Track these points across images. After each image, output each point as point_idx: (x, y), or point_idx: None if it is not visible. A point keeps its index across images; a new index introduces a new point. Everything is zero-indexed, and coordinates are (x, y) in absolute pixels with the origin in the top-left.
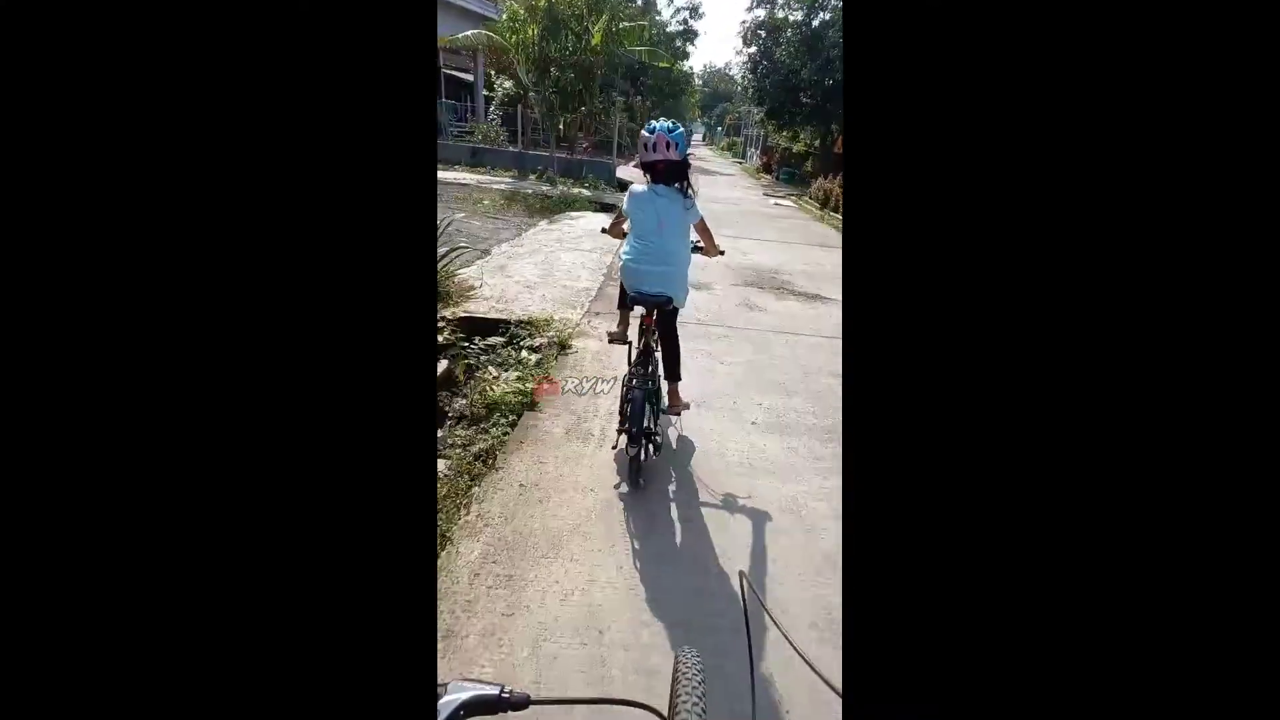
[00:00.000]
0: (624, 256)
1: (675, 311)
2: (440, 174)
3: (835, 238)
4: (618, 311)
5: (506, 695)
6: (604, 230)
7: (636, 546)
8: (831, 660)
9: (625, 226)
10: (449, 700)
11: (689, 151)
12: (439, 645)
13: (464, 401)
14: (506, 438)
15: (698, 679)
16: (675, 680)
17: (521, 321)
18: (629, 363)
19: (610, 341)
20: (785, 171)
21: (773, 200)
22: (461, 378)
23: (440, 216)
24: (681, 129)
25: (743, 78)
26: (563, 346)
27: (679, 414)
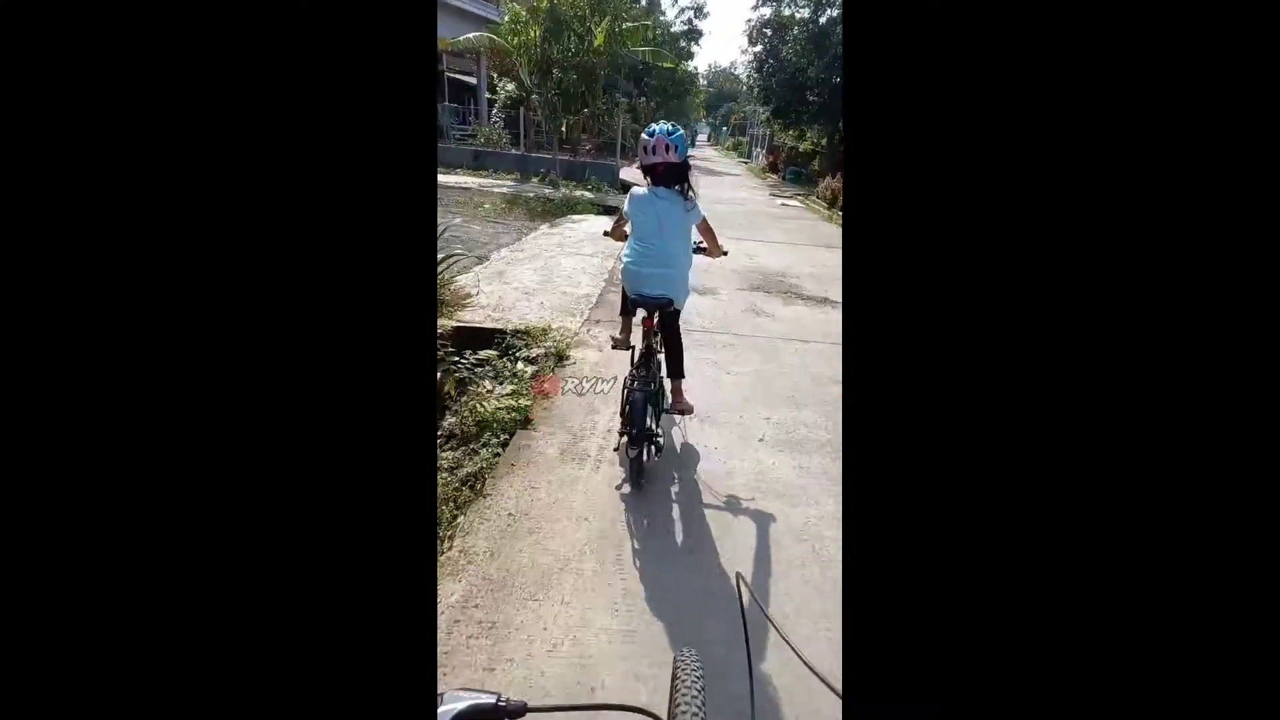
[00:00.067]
0: (625, 259)
1: (677, 313)
2: (441, 178)
3: None
4: (619, 319)
5: (503, 704)
6: (605, 233)
7: (632, 586)
8: (832, 661)
9: (626, 229)
10: (446, 710)
11: (690, 153)
12: None
13: (454, 419)
14: (497, 459)
15: (697, 681)
16: (674, 682)
17: (518, 331)
18: (631, 364)
19: (614, 348)
20: (791, 171)
21: (779, 200)
22: (453, 393)
23: (438, 221)
24: (681, 131)
25: (748, 77)
26: (560, 357)
27: (683, 413)
